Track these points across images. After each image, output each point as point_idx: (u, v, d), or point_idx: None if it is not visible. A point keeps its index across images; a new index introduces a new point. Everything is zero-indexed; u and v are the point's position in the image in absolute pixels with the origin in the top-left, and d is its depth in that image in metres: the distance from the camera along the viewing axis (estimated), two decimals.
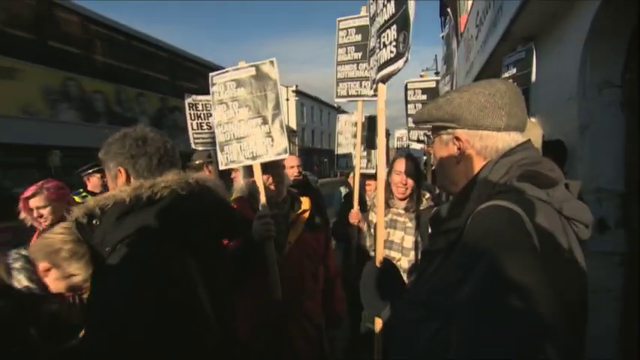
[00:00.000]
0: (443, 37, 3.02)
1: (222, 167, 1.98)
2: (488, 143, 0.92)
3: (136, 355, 0.79)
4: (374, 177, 3.09)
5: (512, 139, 0.92)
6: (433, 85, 2.77)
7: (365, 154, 3.13)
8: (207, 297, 1.02)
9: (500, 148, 0.91)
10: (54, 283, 1.13)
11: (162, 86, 9.56)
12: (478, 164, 0.93)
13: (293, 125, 34.69)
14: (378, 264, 1.11)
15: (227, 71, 1.97)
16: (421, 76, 2.84)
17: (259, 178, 1.82)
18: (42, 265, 1.44)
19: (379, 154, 1.31)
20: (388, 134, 5.41)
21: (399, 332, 0.87)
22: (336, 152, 3.54)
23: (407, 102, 2.81)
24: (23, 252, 1.35)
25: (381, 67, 1.24)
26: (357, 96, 2.53)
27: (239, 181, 2.02)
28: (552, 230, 0.76)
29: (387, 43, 1.20)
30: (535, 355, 0.66)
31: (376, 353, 1.32)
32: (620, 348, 2.27)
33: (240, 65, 1.96)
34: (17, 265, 1.30)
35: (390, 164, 2.52)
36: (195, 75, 10.45)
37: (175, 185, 1.02)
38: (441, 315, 0.79)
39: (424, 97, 2.81)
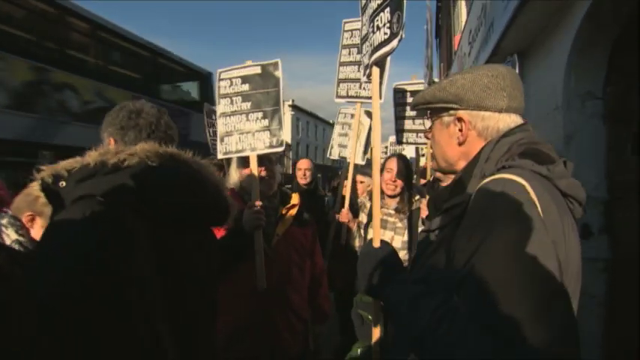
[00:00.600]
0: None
1: (220, 156, 2.04)
2: (489, 124, 0.94)
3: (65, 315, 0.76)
4: (366, 174, 3.13)
5: (512, 120, 0.94)
6: (422, 88, 2.86)
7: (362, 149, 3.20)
8: (162, 287, 0.94)
9: (500, 129, 0.94)
10: (40, 231, 1.13)
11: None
12: (478, 145, 0.95)
13: (288, 139, 34.84)
14: (375, 244, 1.11)
15: (234, 68, 2.09)
16: (411, 78, 2.91)
17: (255, 169, 1.86)
18: (26, 217, 1.44)
19: (374, 137, 1.32)
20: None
21: (401, 308, 0.87)
22: (332, 140, 3.57)
23: (396, 104, 2.88)
24: (9, 212, 1.38)
25: (374, 50, 1.25)
26: (356, 97, 2.60)
27: (231, 173, 2.06)
28: (554, 202, 0.79)
29: (380, 25, 1.22)
30: (551, 314, 0.69)
31: (374, 340, 1.31)
32: (604, 353, 2.30)
33: (247, 63, 2.07)
34: (4, 221, 1.33)
35: (382, 164, 2.59)
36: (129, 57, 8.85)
37: (143, 155, 0.98)
38: (446, 287, 0.81)
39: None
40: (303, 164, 3.80)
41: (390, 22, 1.16)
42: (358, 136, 2.84)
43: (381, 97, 2.47)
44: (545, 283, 0.71)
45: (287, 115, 35.35)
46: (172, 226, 1.03)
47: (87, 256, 0.81)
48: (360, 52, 2.44)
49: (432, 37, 3.04)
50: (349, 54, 2.62)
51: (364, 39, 1.45)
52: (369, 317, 2.31)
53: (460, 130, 0.97)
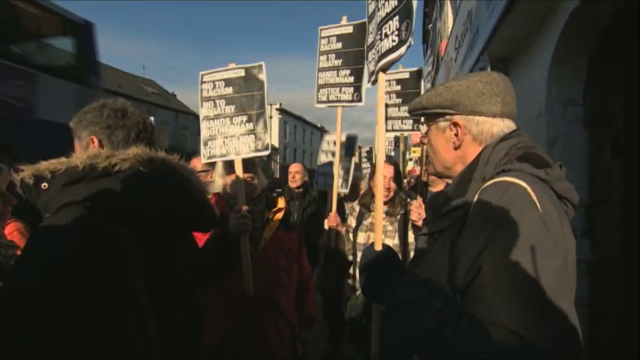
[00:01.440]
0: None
1: (204, 161, 2.04)
2: (484, 128, 0.98)
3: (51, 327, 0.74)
4: (349, 198, 3.16)
5: (505, 125, 0.99)
6: (407, 75, 2.90)
7: (342, 173, 3.18)
8: (150, 297, 0.94)
9: (494, 133, 0.98)
10: None
11: None
12: (473, 149, 0.99)
13: (275, 143, 34.82)
14: (377, 247, 1.12)
15: (217, 71, 2.08)
16: (398, 68, 2.95)
17: (240, 174, 1.87)
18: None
19: (379, 143, 1.32)
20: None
21: (403, 310, 0.89)
22: (317, 170, 3.62)
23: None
24: None
25: (382, 56, 1.27)
26: (337, 101, 2.62)
27: (215, 179, 2.06)
28: (552, 204, 0.83)
29: (388, 33, 1.25)
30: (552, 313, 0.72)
31: (373, 342, 1.32)
32: (588, 354, 2.38)
33: (231, 66, 2.07)
34: None
35: (372, 168, 2.63)
36: None
37: (136, 160, 0.96)
38: (449, 289, 0.82)
39: (398, 87, 2.91)
40: (294, 168, 3.89)
41: (398, 29, 1.20)
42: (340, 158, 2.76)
43: (361, 100, 2.51)
44: (551, 284, 0.73)
45: (275, 118, 35.32)
46: (161, 233, 1.02)
47: (74, 265, 0.79)
48: (345, 64, 2.53)
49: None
50: (327, 60, 2.65)
51: (370, 46, 1.49)
52: (363, 320, 2.34)
53: (456, 135, 1.00)
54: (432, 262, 0.95)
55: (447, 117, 1.01)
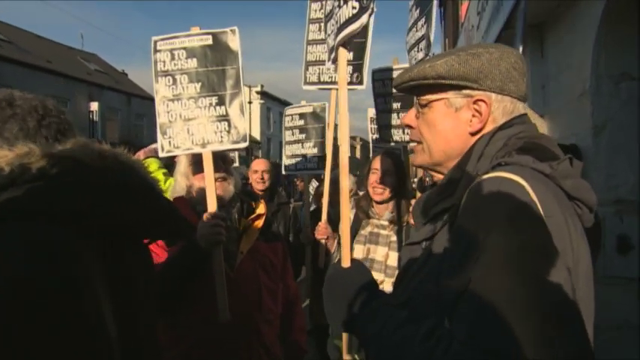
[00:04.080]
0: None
1: (162, 154, 2.01)
2: (506, 111, 0.98)
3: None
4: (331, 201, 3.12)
5: (520, 110, 1.00)
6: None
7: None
8: (115, 317, 0.96)
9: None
10: None
11: None
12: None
13: (256, 134, 34.79)
14: (344, 263, 1.12)
15: (176, 36, 2.01)
16: (392, 62, 2.93)
17: (210, 171, 1.84)
18: None
19: (342, 134, 1.33)
20: None
21: (382, 342, 0.88)
22: (283, 153, 3.66)
23: (376, 95, 2.90)
24: None
25: (340, 28, 1.27)
26: (331, 83, 2.61)
27: (177, 178, 2.02)
28: (558, 205, 0.83)
29: None
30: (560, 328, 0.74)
31: None
32: None
33: (194, 31, 2.00)
34: None
35: (368, 164, 2.60)
36: None
37: (81, 155, 0.96)
38: (435, 309, 0.83)
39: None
40: (259, 165, 3.83)
41: None
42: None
43: (362, 83, 2.53)
44: (554, 298, 0.75)
45: (255, 104, 35.33)
46: (119, 243, 1.03)
47: (19, 290, 0.79)
48: (324, 31, 2.54)
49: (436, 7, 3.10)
50: (319, 30, 2.64)
51: (329, 16, 1.48)
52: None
53: (474, 116, 0.98)
54: (417, 277, 0.96)
55: (466, 91, 0.98)
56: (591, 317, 0.87)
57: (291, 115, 3.55)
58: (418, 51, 2.42)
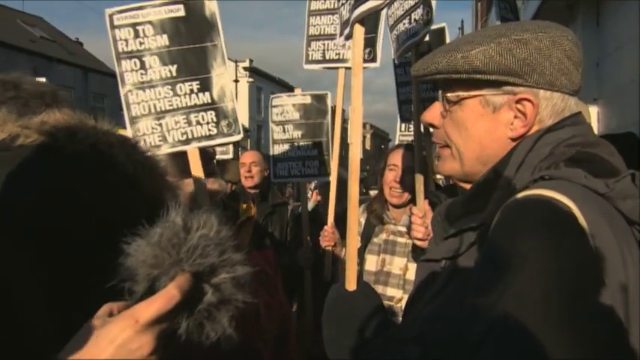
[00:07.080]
0: None
1: None
2: (556, 110, 0.97)
3: None
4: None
5: (574, 108, 1.00)
6: (425, 48, 2.95)
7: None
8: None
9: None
10: None
11: None
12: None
13: (245, 120, 34.75)
14: (349, 286, 1.16)
15: (139, 7, 1.99)
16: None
17: (198, 170, 1.87)
18: None
19: (354, 126, 1.40)
20: None
21: None
22: (271, 153, 3.61)
23: (398, 85, 2.96)
24: None
25: (357, 2, 1.33)
26: (338, 61, 2.68)
27: None
28: (612, 233, 0.82)
29: None
30: None
31: None
32: None
33: (160, 0, 1.98)
34: None
35: (384, 158, 2.70)
36: None
37: (60, 128, 0.98)
38: (455, 348, 0.84)
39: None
40: (248, 157, 3.92)
41: None
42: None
43: (376, 60, 2.60)
44: (598, 354, 0.74)
45: (242, 82, 35.04)
46: (92, 247, 1.00)
47: None
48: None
49: None
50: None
51: None
52: None
53: (517, 117, 0.97)
54: (433, 304, 0.96)
55: (507, 87, 0.97)
56: None
57: (282, 105, 3.38)
58: (410, 23, 2.31)
